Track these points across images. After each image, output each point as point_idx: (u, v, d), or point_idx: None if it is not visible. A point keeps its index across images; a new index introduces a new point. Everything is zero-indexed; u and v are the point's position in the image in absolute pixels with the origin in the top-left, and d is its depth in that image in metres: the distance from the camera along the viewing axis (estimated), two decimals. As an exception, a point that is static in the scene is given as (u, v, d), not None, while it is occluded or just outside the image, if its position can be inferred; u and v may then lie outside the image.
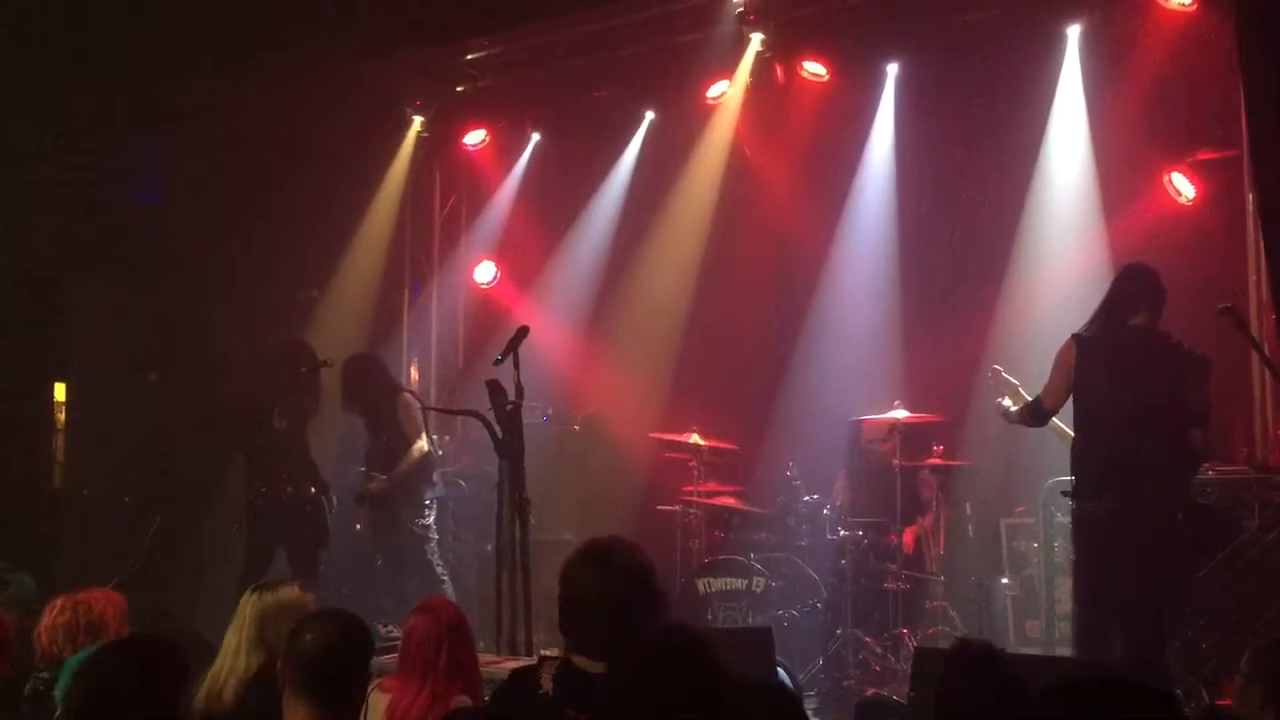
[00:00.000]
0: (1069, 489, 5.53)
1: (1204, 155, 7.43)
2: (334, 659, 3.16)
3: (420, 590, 7.04)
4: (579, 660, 3.18)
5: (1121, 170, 7.57)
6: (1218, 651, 6.11)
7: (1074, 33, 7.74)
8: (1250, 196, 6.77)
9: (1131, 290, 5.47)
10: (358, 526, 7.84)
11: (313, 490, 7.48)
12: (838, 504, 7.66)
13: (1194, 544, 5.36)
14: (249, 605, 3.97)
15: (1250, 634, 5.99)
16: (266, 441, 7.41)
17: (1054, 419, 5.78)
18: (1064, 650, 6.37)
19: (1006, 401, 6.15)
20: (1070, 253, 7.36)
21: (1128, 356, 5.36)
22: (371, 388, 7.69)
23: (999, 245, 7.76)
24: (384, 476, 7.59)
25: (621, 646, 3.04)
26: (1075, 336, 5.51)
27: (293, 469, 7.42)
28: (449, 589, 7.63)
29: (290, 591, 4.05)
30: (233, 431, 7.70)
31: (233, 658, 3.87)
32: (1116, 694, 2.10)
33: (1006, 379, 6.28)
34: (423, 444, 7.65)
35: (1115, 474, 5.28)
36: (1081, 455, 5.43)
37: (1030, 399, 5.86)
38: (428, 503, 7.75)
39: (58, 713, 3.82)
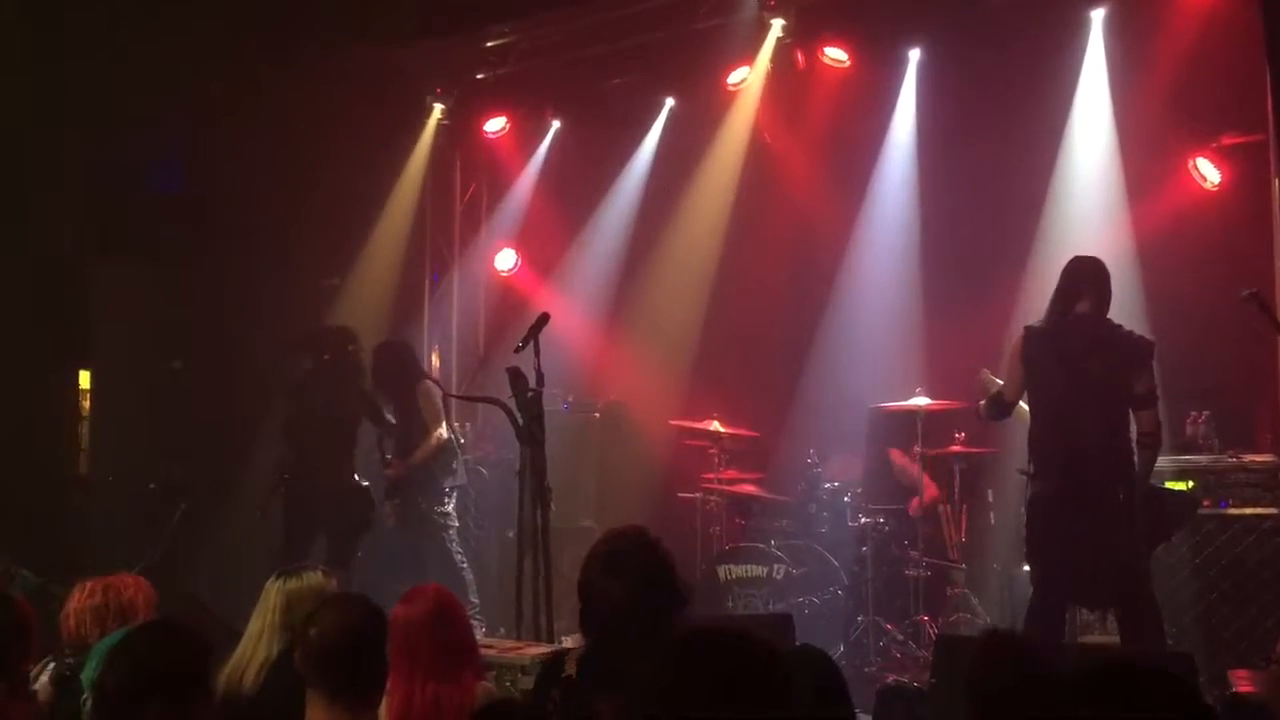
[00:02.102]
0: (1025, 469, 5.69)
1: (1229, 140, 7.38)
2: (346, 647, 3.13)
3: (440, 578, 7.07)
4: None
5: (1146, 155, 7.52)
6: (1243, 638, 6.09)
7: (1097, 16, 7.69)
8: (1276, 181, 6.71)
9: (1073, 281, 5.61)
10: (387, 514, 7.87)
11: (354, 476, 7.51)
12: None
13: (1144, 525, 5.40)
14: (274, 590, 3.95)
15: (1275, 620, 5.99)
16: (331, 428, 7.44)
17: (1022, 406, 5.85)
18: (1086, 637, 6.35)
19: (984, 402, 6.20)
20: (1094, 238, 7.28)
21: (1069, 343, 5.54)
22: (398, 374, 7.74)
23: (1022, 231, 7.71)
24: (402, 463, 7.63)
25: (646, 642, 3.06)
26: (1026, 328, 5.70)
27: (345, 457, 7.47)
28: (469, 576, 7.68)
29: (315, 576, 4.03)
30: (284, 415, 7.70)
31: (255, 642, 3.85)
32: (1133, 682, 2.09)
33: (991, 379, 6.33)
34: (441, 432, 7.68)
35: (1061, 456, 5.48)
36: (1034, 439, 5.62)
37: None
38: (447, 491, 7.78)
39: (84, 696, 3.84)
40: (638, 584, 3.13)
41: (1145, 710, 2.06)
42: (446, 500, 7.78)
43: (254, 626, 3.91)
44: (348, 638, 3.14)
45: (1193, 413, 6.77)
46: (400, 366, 7.78)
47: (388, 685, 3.46)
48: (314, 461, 7.39)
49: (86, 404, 9.07)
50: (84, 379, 9.03)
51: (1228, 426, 6.78)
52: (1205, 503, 6.33)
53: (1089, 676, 2.12)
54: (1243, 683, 4.92)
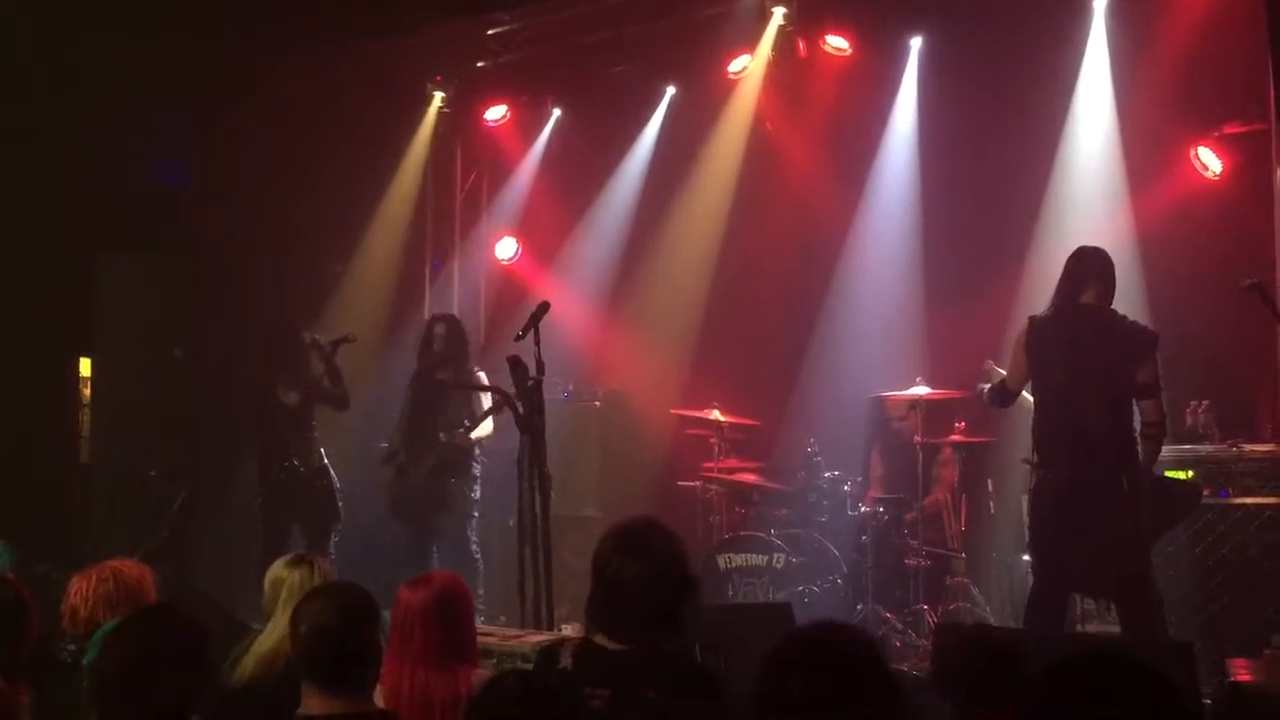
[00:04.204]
0: (1029, 458, 5.69)
1: (1231, 129, 7.35)
2: (332, 639, 3.09)
3: (453, 563, 7.13)
4: (600, 639, 3.21)
5: (1147, 145, 7.50)
6: (1242, 627, 6.10)
7: (1100, 4, 7.67)
8: (1278, 171, 6.69)
9: (1077, 270, 5.61)
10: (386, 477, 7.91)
11: (322, 463, 7.55)
12: (875, 475, 7.65)
13: (1147, 514, 5.41)
14: (301, 580, 3.93)
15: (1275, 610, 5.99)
16: (278, 417, 7.49)
17: (1026, 396, 5.86)
18: (1087, 626, 6.36)
19: (986, 387, 6.22)
20: (1095, 228, 7.27)
21: (1073, 333, 5.54)
22: (464, 347, 7.90)
23: (1023, 220, 7.71)
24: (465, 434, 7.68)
25: (652, 630, 3.12)
26: (1031, 318, 5.70)
27: (302, 443, 7.51)
28: (481, 566, 7.71)
29: (327, 563, 4.07)
30: (246, 409, 7.79)
31: (282, 632, 3.76)
32: (1110, 675, 2.07)
33: (996, 371, 6.34)
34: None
35: (1063, 445, 5.49)
36: (1037, 428, 5.63)
37: None
38: (476, 475, 7.83)
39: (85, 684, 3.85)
40: (655, 564, 3.14)
41: (1117, 704, 2.04)
42: (476, 484, 7.82)
43: (283, 618, 3.81)
44: (332, 630, 3.09)
45: (1193, 402, 6.76)
46: (464, 340, 7.94)
47: (383, 669, 3.43)
48: (280, 451, 7.49)
49: (87, 392, 9.07)
50: (85, 366, 9.03)
51: (1228, 416, 6.77)
52: (1205, 492, 6.33)
53: (1055, 669, 2.11)
54: (1242, 671, 4.94)
